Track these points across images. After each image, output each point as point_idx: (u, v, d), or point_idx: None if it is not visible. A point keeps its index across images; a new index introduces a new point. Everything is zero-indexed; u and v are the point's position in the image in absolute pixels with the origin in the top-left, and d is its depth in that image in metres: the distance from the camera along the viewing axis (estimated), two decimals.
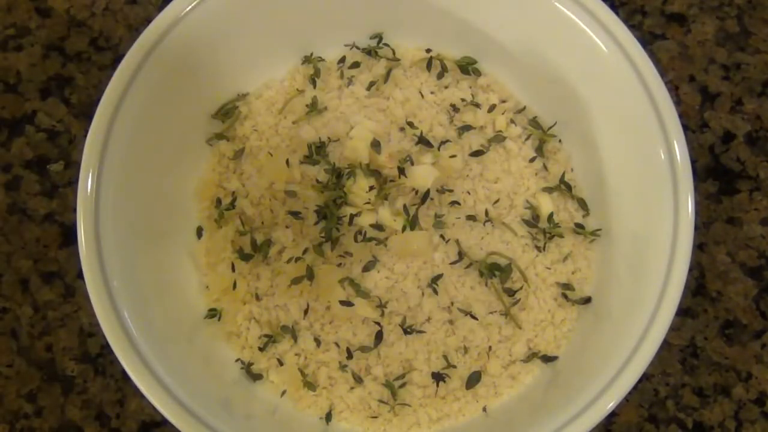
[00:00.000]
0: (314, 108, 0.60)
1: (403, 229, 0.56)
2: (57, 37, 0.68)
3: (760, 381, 0.60)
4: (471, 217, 0.57)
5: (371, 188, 0.56)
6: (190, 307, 0.56)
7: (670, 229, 0.51)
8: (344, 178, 0.57)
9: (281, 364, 0.56)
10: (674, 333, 0.61)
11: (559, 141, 0.60)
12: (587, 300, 0.56)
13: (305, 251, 0.56)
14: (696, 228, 0.51)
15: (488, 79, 0.62)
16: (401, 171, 0.57)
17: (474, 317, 0.55)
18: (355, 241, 0.56)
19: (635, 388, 0.49)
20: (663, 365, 0.60)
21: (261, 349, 0.56)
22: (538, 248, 0.57)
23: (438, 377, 0.55)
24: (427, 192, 0.56)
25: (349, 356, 0.55)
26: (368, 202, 0.56)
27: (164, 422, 0.50)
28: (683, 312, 0.61)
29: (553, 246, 0.57)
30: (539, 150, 0.60)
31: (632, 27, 0.63)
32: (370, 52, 0.62)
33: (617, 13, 0.56)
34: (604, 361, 0.50)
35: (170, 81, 0.56)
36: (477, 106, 0.61)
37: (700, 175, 0.64)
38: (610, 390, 0.49)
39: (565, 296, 0.57)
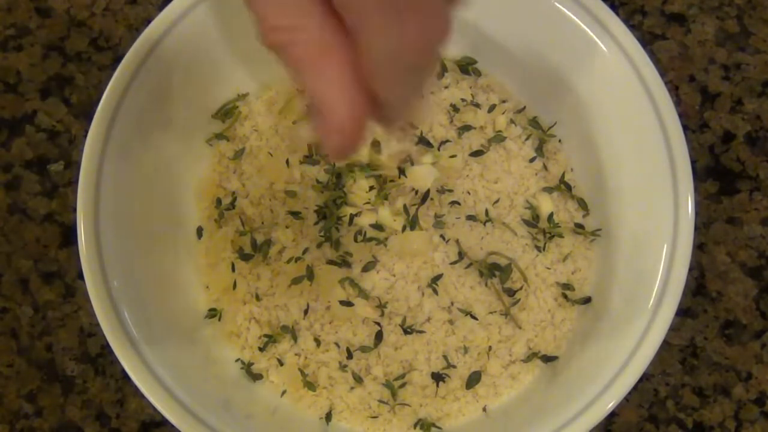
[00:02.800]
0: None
1: (403, 229, 0.56)
2: (57, 37, 0.68)
3: (760, 381, 0.60)
4: (471, 217, 0.57)
5: (371, 188, 0.56)
6: (190, 307, 0.56)
7: (670, 229, 0.51)
8: (344, 178, 0.57)
9: (281, 364, 0.56)
10: (674, 333, 0.61)
11: (559, 141, 0.60)
12: (587, 300, 0.56)
13: (305, 251, 0.56)
14: (696, 228, 0.51)
15: (488, 79, 0.62)
16: (401, 171, 0.57)
17: (474, 317, 0.55)
18: (355, 241, 0.56)
19: (635, 388, 0.49)
20: (663, 365, 0.60)
21: (261, 349, 0.56)
22: (538, 248, 0.57)
23: (438, 377, 0.55)
24: (427, 192, 0.56)
25: (349, 356, 0.55)
26: (368, 202, 0.56)
27: (164, 422, 0.50)
28: (683, 312, 0.61)
29: (553, 246, 0.57)
30: (539, 150, 0.60)
31: (632, 27, 0.63)
32: None
33: (617, 13, 0.56)
34: (604, 361, 0.50)
35: (170, 81, 0.56)
36: (477, 106, 0.61)
37: (700, 175, 0.64)
38: (610, 390, 0.49)
39: (565, 296, 0.57)
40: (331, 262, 0.56)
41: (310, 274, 0.55)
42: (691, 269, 0.51)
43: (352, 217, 0.56)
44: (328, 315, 0.56)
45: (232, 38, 0.58)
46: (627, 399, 0.50)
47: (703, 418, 0.59)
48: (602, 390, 0.49)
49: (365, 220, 0.56)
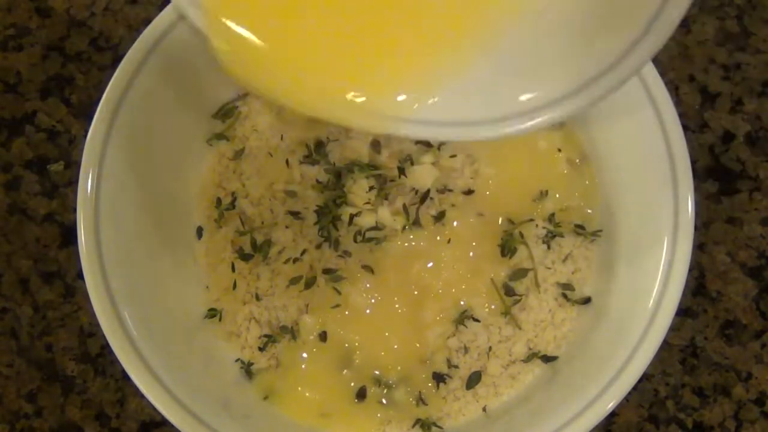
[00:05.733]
0: None
1: (403, 228, 0.56)
2: (57, 37, 0.68)
3: (760, 381, 0.60)
4: (472, 216, 0.57)
5: (371, 188, 0.56)
6: (190, 307, 0.56)
7: (670, 229, 0.51)
8: (344, 178, 0.57)
9: (280, 363, 0.55)
10: (674, 333, 0.61)
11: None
12: (587, 300, 0.56)
13: (304, 252, 0.56)
14: (696, 228, 0.51)
15: None
16: (401, 171, 0.57)
17: (476, 319, 0.55)
18: (355, 241, 0.56)
19: (635, 388, 0.49)
20: (663, 365, 0.60)
21: (261, 349, 0.56)
22: (546, 243, 0.57)
23: (438, 377, 0.55)
24: (428, 191, 0.56)
25: (349, 356, 0.55)
26: (368, 202, 0.56)
27: (164, 422, 0.50)
28: (683, 312, 0.61)
29: (554, 246, 0.57)
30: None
31: None
32: None
33: None
34: (604, 361, 0.50)
35: (170, 81, 0.56)
36: None
37: (700, 175, 0.64)
38: (610, 390, 0.49)
39: (565, 296, 0.57)
40: (327, 271, 0.56)
41: (311, 282, 0.55)
42: (691, 269, 0.51)
43: (352, 217, 0.56)
44: (329, 315, 0.56)
45: None
46: (627, 399, 0.50)
47: (703, 418, 0.59)
48: (602, 390, 0.49)
49: (365, 221, 0.56)
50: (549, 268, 0.57)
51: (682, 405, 0.60)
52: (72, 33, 0.68)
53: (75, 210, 0.51)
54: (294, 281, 0.55)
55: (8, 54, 0.67)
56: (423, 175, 0.56)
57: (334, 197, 0.56)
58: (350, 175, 0.56)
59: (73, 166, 0.65)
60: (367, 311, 0.55)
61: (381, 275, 0.56)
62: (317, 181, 0.57)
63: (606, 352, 0.51)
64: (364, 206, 0.56)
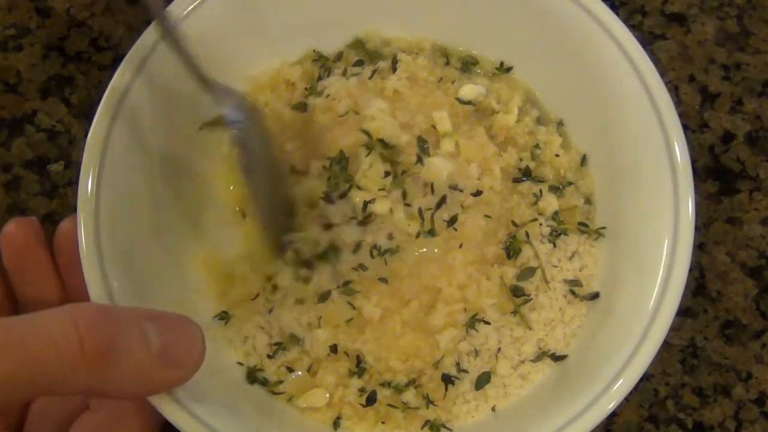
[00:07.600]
0: (313, 91, 0.60)
1: (417, 235, 0.54)
2: (57, 37, 0.68)
3: (760, 381, 0.60)
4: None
5: (387, 174, 0.55)
6: (192, 309, 0.56)
7: (670, 229, 0.51)
8: (342, 163, 0.56)
9: (290, 370, 0.55)
10: (674, 333, 0.61)
11: (561, 140, 0.60)
12: (595, 295, 0.56)
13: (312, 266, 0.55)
14: (696, 228, 0.51)
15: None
16: (419, 159, 0.55)
17: (487, 322, 0.55)
18: (371, 257, 0.54)
19: (635, 388, 0.49)
20: (663, 365, 0.60)
21: (270, 356, 0.55)
22: (552, 242, 0.57)
23: (447, 379, 0.54)
24: (444, 197, 0.55)
25: (359, 362, 0.54)
26: (383, 188, 0.54)
27: (164, 422, 0.50)
28: (683, 312, 0.61)
29: (560, 244, 0.57)
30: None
31: (632, 27, 0.63)
32: (372, 50, 0.62)
33: (617, 13, 0.56)
34: (605, 361, 0.50)
35: (170, 81, 0.55)
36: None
37: (700, 175, 0.64)
38: (610, 390, 0.48)
39: (573, 292, 0.56)
40: (342, 285, 0.54)
41: (325, 296, 0.54)
42: (691, 269, 0.51)
43: (365, 204, 0.54)
44: (340, 326, 0.55)
45: (233, 39, 0.58)
46: (627, 399, 0.50)
47: (703, 418, 0.59)
48: (602, 390, 0.48)
49: (379, 207, 0.54)
50: (556, 266, 0.57)
51: (682, 405, 0.60)
52: (72, 33, 0.68)
53: (75, 210, 0.51)
54: (299, 302, 0.55)
55: (8, 54, 0.67)
56: (438, 167, 0.55)
57: (336, 183, 0.55)
58: (365, 159, 0.55)
59: (73, 166, 0.64)
60: (379, 317, 0.54)
61: (394, 283, 0.55)
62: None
63: (608, 352, 0.50)
64: (379, 192, 0.54)
